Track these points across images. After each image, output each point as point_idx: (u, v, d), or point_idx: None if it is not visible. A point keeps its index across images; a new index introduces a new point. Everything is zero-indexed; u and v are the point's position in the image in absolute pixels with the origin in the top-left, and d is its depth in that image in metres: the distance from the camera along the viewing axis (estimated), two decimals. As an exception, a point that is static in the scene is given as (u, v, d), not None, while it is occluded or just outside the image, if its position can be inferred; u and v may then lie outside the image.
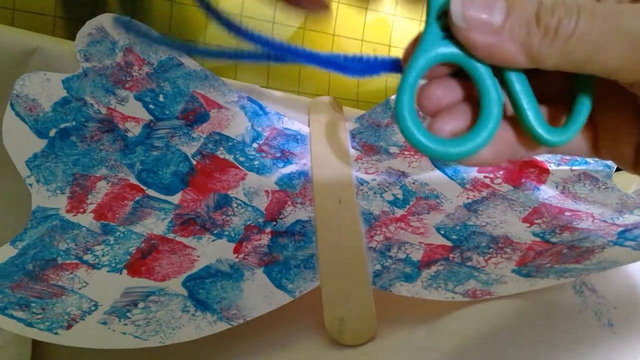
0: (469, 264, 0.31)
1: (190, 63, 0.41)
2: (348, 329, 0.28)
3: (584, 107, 0.17)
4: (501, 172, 0.39)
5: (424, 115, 0.18)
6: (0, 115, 0.34)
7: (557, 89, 0.19)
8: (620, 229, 0.31)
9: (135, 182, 0.35)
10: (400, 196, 0.36)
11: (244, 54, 0.20)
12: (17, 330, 0.26)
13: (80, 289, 0.29)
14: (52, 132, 0.35)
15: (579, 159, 0.39)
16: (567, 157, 0.40)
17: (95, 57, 0.38)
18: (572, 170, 0.39)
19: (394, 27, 0.47)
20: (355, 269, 0.30)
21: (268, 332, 0.29)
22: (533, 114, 0.17)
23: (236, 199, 0.36)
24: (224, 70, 0.59)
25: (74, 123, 0.36)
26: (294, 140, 0.40)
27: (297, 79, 0.59)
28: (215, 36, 0.59)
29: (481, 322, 0.27)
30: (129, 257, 0.31)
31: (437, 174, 0.38)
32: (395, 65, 0.19)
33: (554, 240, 0.32)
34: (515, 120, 0.17)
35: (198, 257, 0.32)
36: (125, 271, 0.30)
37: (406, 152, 0.40)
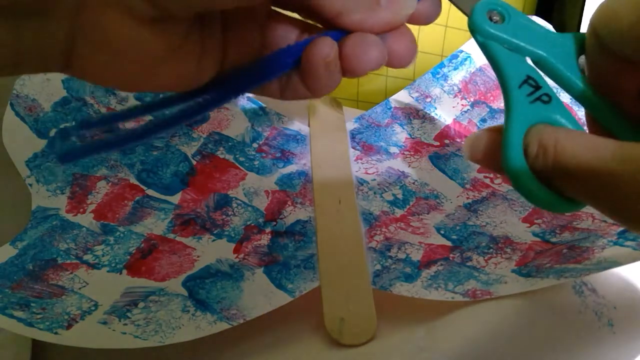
0: (469, 264, 0.31)
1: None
2: (348, 329, 0.28)
3: None
4: (501, 172, 0.39)
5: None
6: (0, 116, 0.34)
7: None
8: (620, 229, 0.31)
9: (135, 182, 0.35)
10: (400, 196, 0.36)
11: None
12: (17, 330, 0.26)
13: (80, 289, 0.29)
14: (52, 132, 0.35)
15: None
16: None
17: (95, 57, 0.38)
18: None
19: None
20: (355, 269, 0.30)
21: (268, 332, 0.29)
22: None
23: (236, 199, 0.36)
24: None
25: (73, 123, 0.36)
26: (294, 140, 0.40)
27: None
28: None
29: (481, 322, 0.27)
30: (129, 257, 0.31)
31: (437, 174, 0.38)
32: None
33: (554, 240, 0.32)
34: None
35: (198, 257, 0.32)
36: (125, 271, 0.30)
37: (406, 152, 0.40)
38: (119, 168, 0.36)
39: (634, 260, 0.27)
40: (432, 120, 0.42)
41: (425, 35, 0.46)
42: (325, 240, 0.32)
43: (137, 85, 0.18)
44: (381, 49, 0.19)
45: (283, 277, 0.30)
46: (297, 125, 0.42)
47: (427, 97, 0.42)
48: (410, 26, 0.20)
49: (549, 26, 0.38)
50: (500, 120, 0.42)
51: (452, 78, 0.42)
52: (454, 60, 0.43)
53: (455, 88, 0.42)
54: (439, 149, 0.40)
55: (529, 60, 0.18)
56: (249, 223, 0.34)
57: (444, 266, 0.30)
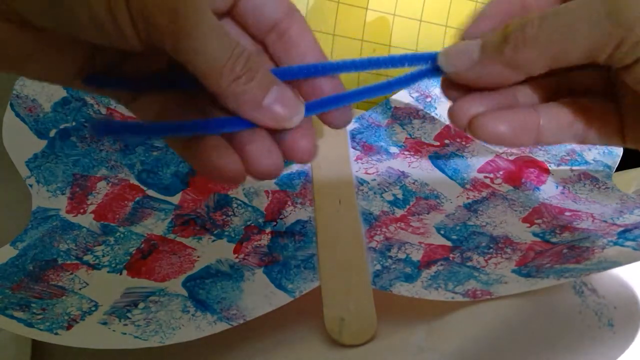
0: (469, 264, 0.31)
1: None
2: (348, 329, 0.28)
3: None
4: (501, 172, 0.39)
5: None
6: (0, 116, 0.34)
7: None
8: (620, 229, 0.31)
9: (136, 182, 0.35)
10: (400, 196, 0.36)
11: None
12: (17, 330, 0.26)
13: (80, 289, 0.29)
14: (52, 133, 0.35)
15: (578, 159, 0.39)
16: (567, 157, 0.40)
17: (95, 57, 0.38)
18: (572, 170, 0.39)
19: (394, 27, 0.47)
20: (355, 269, 0.30)
21: (268, 332, 0.29)
22: None
23: (236, 199, 0.36)
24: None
25: (74, 123, 0.36)
26: (294, 140, 0.40)
27: (297, 79, 0.59)
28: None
29: (481, 322, 0.27)
30: (129, 258, 0.31)
31: (437, 174, 0.38)
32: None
33: (554, 240, 0.32)
34: None
35: (198, 257, 0.32)
36: (125, 272, 0.30)
37: (406, 152, 0.40)
38: (119, 168, 0.36)
39: (634, 260, 0.27)
40: (432, 120, 0.42)
41: (424, 35, 0.46)
42: (325, 240, 0.32)
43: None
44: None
45: (283, 277, 0.30)
46: (297, 126, 0.42)
47: (427, 97, 0.42)
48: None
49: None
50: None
51: (452, 78, 0.42)
52: (454, 60, 0.43)
53: (455, 88, 0.42)
54: (439, 149, 0.40)
55: None
56: (249, 223, 0.34)
57: (444, 266, 0.31)
